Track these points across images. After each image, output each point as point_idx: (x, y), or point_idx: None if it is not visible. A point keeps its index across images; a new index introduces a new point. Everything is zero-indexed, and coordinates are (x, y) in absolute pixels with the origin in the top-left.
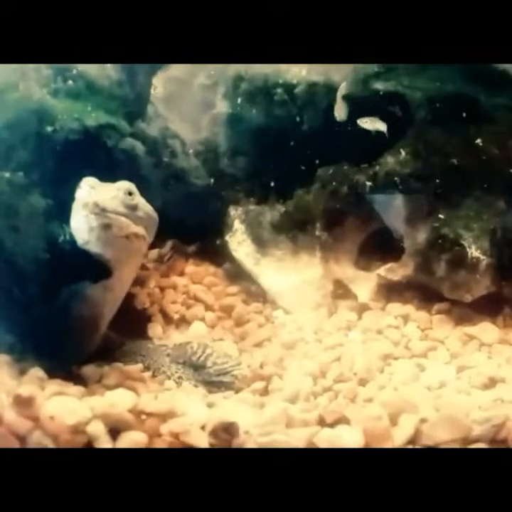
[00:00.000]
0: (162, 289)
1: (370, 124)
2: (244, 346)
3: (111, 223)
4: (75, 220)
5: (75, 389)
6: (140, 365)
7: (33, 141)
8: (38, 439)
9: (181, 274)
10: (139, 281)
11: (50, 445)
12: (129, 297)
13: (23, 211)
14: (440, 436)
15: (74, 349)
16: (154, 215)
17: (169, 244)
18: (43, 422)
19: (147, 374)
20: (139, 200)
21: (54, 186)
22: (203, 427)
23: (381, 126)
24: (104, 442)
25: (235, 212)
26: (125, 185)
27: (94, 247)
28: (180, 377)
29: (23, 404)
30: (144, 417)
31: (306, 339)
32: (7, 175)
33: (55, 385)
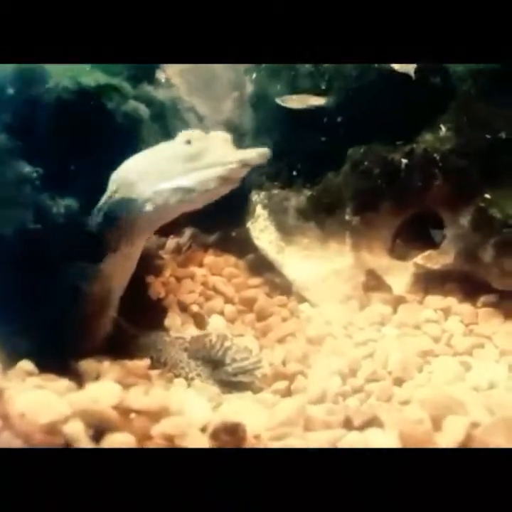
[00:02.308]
0: (178, 280)
1: (298, 102)
2: (266, 342)
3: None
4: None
5: (60, 384)
6: (147, 361)
7: (21, 101)
8: (7, 440)
9: (200, 265)
10: (154, 271)
11: (21, 447)
12: (143, 286)
13: (7, 179)
14: (497, 442)
15: (77, 337)
16: None
17: (188, 233)
18: (13, 420)
19: (155, 371)
20: None
21: (45, 153)
22: (203, 429)
23: (316, 101)
24: (84, 445)
25: (257, 197)
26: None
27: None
28: (198, 375)
29: None
30: (132, 415)
31: (335, 334)
32: None
33: (37, 379)
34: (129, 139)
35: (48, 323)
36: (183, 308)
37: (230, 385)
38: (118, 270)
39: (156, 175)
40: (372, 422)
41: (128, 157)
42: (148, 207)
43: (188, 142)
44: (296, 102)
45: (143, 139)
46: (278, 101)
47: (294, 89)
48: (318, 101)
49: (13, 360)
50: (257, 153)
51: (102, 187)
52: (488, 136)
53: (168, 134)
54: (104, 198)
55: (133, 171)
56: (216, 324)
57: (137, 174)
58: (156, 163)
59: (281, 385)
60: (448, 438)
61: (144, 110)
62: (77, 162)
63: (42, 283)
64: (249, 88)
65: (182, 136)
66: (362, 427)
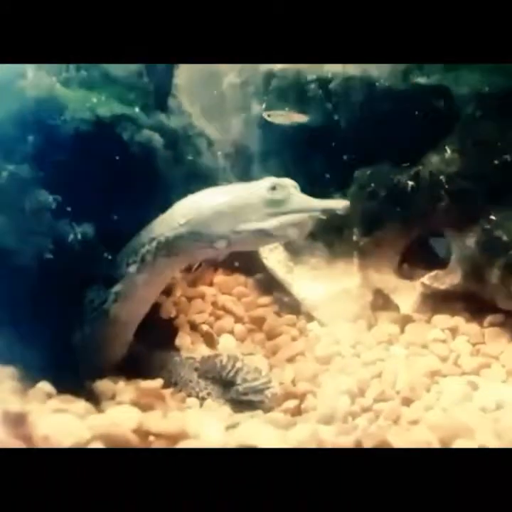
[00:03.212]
0: (189, 299)
1: (283, 118)
2: (275, 361)
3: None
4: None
5: (80, 406)
6: (160, 381)
7: (41, 133)
8: None
9: (210, 284)
10: (165, 290)
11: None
12: (155, 306)
13: (27, 207)
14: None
15: (96, 360)
16: None
17: None
18: (36, 443)
19: (167, 390)
20: None
21: (63, 182)
22: None
23: (299, 118)
24: None
25: None
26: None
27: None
28: (209, 394)
29: (13, 422)
30: (151, 438)
31: (343, 354)
32: (11, 168)
33: (57, 401)
34: (143, 167)
35: (67, 346)
36: (194, 327)
37: (241, 404)
38: (145, 295)
39: (235, 215)
40: (383, 444)
41: (141, 185)
42: (221, 244)
43: (274, 188)
44: (281, 118)
45: (157, 167)
46: (264, 115)
47: (302, 111)
48: (301, 118)
49: (31, 380)
50: (339, 203)
51: (117, 214)
52: (493, 159)
53: (180, 161)
54: (163, 228)
55: (208, 208)
56: (226, 343)
57: (213, 212)
58: (236, 204)
59: (292, 404)
60: None
61: (157, 139)
62: (93, 190)
63: (62, 307)
64: (257, 110)
65: (267, 182)
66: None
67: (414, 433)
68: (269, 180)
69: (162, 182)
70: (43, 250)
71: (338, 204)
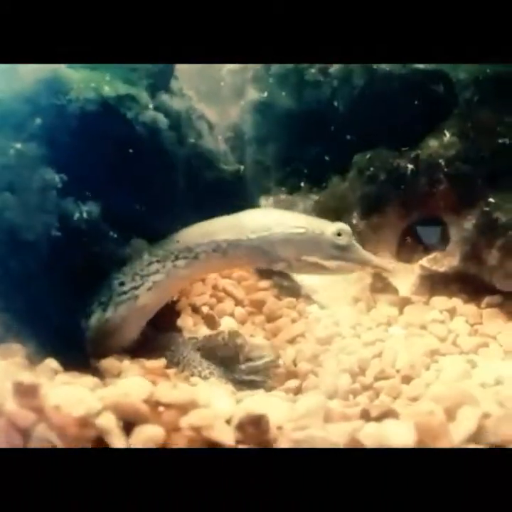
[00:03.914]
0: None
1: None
2: (276, 342)
3: None
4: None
5: (88, 380)
6: (163, 360)
7: (47, 113)
8: (42, 433)
9: None
10: None
11: (55, 439)
12: None
13: (34, 185)
14: (509, 433)
15: (107, 342)
16: None
17: None
18: (48, 414)
19: (171, 370)
20: None
21: (68, 161)
22: (228, 421)
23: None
24: (116, 437)
25: (265, 202)
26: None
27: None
28: (211, 373)
29: (26, 393)
30: (161, 408)
31: (343, 334)
32: (18, 146)
33: (65, 376)
34: (148, 147)
35: (75, 325)
36: (195, 310)
37: (242, 383)
38: (179, 288)
39: (302, 247)
40: (389, 414)
41: (147, 166)
42: (281, 265)
43: (339, 234)
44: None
45: (161, 147)
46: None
47: (301, 96)
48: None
49: (37, 357)
50: (389, 265)
51: (121, 193)
52: (491, 142)
53: (183, 143)
54: (227, 234)
55: (280, 233)
56: (227, 325)
57: (284, 238)
58: (306, 239)
59: (293, 383)
60: (461, 428)
61: (162, 120)
62: (98, 169)
63: (71, 287)
64: (256, 95)
65: (333, 226)
66: (379, 419)
67: (418, 404)
68: (336, 226)
69: (166, 162)
70: (49, 228)
71: (389, 265)
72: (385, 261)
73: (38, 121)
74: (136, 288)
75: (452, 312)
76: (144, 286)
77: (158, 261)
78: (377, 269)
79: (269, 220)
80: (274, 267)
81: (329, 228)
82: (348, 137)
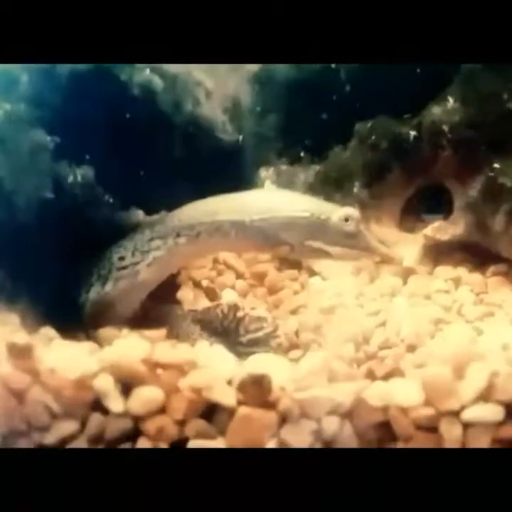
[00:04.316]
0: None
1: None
2: (278, 314)
3: None
4: None
5: (84, 345)
6: (163, 331)
7: (36, 73)
8: (38, 396)
9: None
10: None
11: (51, 402)
12: None
13: (25, 147)
14: None
15: (106, 315)
16: None
17: None
18: (43, 376)
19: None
20: None
21: (61, 123)
22: (229, 382)
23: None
24: (114, 399)
25: (265, 173)
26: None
27: None
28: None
29: (20, 354)
30: (159, 370)
31: (346, 304)
32: (7, 107)
33: (62, 342)
34: (142, 110)
35: (71, 294)
36: (196, 283)
37: (244, 355)
38: (180, 264)
39: (308, 231)
40: (394, 373)
41: (142, 128)
42: (284, 250)
43: (346, 220)
44: None
45: (156, 110)
46: None
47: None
48: None
49: (34, 325)
50: (397, 255)
51: (116, 157)
52: (495, 107)
53: (179, 108)
54: (230, 215)
55: (285, 216)
56: (228, 298)
57: (289, 221)
58: (312, 223)
59: (296, 354)
60: (470, 386)
61: (157, 82)
62: (92, 132)
63: (67, 253)
64: (255, 65)
65: (341, 212)
66: (385, 378)
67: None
68: (343, 211)
69: (162, 127)
70: (42, 190)
71: (396, 256)
72: (393, 251)
73: (28, 81)
74: (136, 263)
75: (457, 281)
76: (144, 261)
77: (159, 237)
78: (384, 258)
79: (274, 202)
80: (277, 251)
81: (336, 213)
82: (350, 105)
